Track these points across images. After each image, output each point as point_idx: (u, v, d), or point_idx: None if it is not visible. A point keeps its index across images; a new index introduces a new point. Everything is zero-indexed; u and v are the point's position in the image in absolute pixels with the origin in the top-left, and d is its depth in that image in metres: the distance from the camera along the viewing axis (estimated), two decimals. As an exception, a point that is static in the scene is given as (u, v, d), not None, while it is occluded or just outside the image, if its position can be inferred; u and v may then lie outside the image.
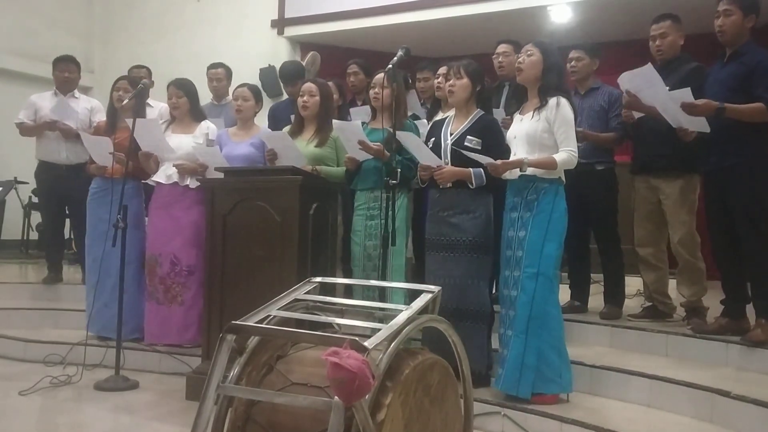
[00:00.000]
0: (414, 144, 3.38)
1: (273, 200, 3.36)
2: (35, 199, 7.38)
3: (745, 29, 3.38)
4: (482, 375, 3.32)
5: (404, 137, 3.35)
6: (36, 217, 7.49)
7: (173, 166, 4.14)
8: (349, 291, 3.75)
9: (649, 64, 3.55)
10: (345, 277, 4.07)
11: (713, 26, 3.44)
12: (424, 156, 3.37)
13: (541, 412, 3.01)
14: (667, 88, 3.44)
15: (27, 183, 7.25)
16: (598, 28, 6.47)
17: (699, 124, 3.36)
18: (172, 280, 4.16)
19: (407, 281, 3.71)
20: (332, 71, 5.45)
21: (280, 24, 7.62)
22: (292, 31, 7.59)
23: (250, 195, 3.42)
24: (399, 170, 3.29)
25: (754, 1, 3.38)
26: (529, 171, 3.12)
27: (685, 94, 3.30)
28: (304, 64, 5.86)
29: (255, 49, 7.41)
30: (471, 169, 3.29)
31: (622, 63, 3.64)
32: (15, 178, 7.21)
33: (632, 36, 6.46)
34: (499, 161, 3.17)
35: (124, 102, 4.18)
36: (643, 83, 3.53)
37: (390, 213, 3.06)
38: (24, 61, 7.63)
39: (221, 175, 3.72)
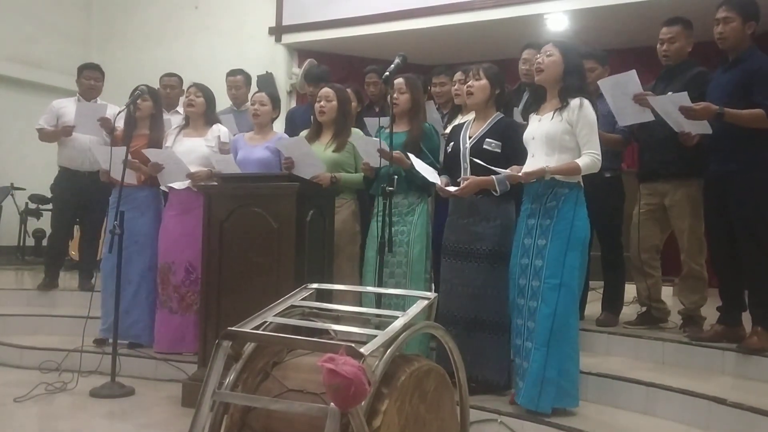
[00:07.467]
0: (422, 167, 3.38)
1: (270, 207, 3.36)
2: (32, 205, 7.39)
3: (746, 36, 3.37)
4: (501, 386, 3.28)
5: (414, 160, 3.38)
6: (32, 223, 7.49)
7: (186, 176, 4.10)
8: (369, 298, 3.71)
9: (633, 71, 3.51)
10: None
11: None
12: (433, 178, 3.36)
13: (537, 420, 3.00)
14: (670, 93, 3.42)
15: (24, 189, 7.27)
16: (594, 36, 6.47)
17: (700, 126, 3.34)
18: (187, 288, 4.10)
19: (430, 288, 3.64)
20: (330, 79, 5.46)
21: (277, 31, 7.65)
22: (289, 38, 7.62)
23: (247, 201, 3.42)
24: (396, 177, 3.27)
25: (754, 7, 3.36)
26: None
27: (683, 98, 3.28)
28: (301, 71, 5.88)
29: (253, 57, 7.41)
30: (494, 176, 3.21)
31: (619, 71, 3.63)
32: (11, 183, 7.22)
33: (629, 44, 6.51)
34: (521, 173, 3.07)
35: (120, 111, 4.19)
36: (624, 89, 3.50)
37: (387, 220, 3.05)
38: (21, 68, 7.64)
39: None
